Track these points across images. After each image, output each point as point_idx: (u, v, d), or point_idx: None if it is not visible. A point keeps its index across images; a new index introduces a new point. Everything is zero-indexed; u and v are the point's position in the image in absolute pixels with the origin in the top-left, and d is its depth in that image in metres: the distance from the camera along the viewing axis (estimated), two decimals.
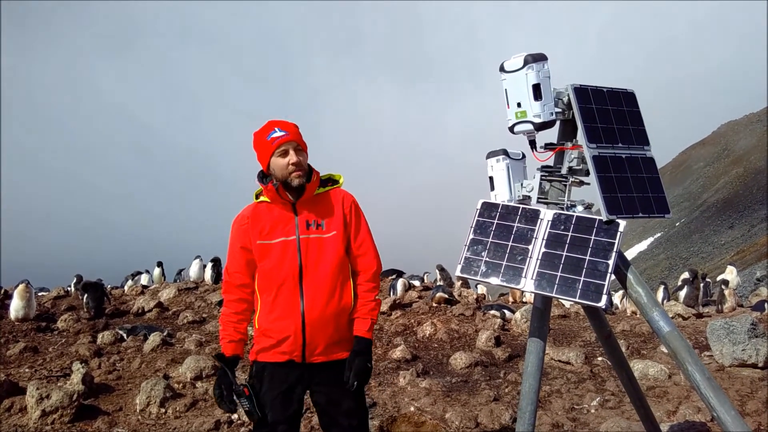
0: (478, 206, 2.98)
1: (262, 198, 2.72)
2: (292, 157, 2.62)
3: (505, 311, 8.42)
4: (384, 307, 8.42)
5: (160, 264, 14.33)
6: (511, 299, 10.68)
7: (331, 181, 2.78)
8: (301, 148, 2.66)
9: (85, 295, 8.61)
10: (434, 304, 8.94)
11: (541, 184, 2.95)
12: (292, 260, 2.62)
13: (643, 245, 49.26)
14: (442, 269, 12.90)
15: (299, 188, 2.65)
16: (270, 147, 2.63)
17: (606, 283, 2.57)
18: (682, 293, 11.13)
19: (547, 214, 2.82)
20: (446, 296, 9.07)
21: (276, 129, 2.64)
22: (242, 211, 2.75)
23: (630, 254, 44.87)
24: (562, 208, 2.87)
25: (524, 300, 10.83)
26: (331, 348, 2.65)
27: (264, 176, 2.73)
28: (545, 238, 2.76)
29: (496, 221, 2.90)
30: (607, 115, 2.86)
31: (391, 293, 10.23)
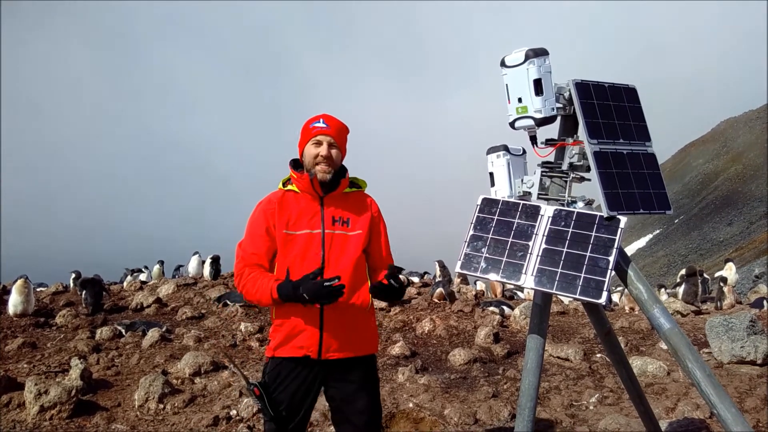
0: (479, 202, 2.97)
1: (290, 186, 2.72)
2: (323, 149, 2.64)
3: (504, 308, 8.40)
4: (382, 303, 8.42)
5: (161, 262, 14.31)
6: (491, 295, 10.55)
7: (354, 184, 2.80)
8: (336, 145, 2.68)
9: (84, 292, 8.58)
10: (435, 301, 8.92)
11: (541, 180, 2.94)
12: (315, 253, 2.61)
13: (641, 242, 49.34)
14: (443, 266, 12.87)
15: (330, 183, 2.66)
16: (308, 134, 2.68)
17: (606, 279, 2.56)
18: (681, 290, 11.14)
19: (547, 210, 2.80)
20: (445, 293, 9.01)
21: (321, 120, 2.69)
22: (269, 196, 2.73)
23: (628, 251, 44.72)
24: (563, 204, 2.86)
25: (508, 294, 10.77)
26: (347, 345, 2.64)
27: (296, 165, 2.74)
28: (546, 234, 2.75)
29: (496, 217, 2.89)
30: (608, 111, 2.84)
31: None
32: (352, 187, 2.77)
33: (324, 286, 2.40)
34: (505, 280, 2.77)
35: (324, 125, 2.66)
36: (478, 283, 11.74)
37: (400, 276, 2.66)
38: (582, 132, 2.76)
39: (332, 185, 2.67)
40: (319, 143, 2.65)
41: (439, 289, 9.00)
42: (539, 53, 2.72)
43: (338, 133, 2.69)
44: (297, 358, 2.61)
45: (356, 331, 2.67)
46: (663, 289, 12.51)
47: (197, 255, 13.30)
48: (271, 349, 2.67)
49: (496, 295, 10.45)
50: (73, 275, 12.10)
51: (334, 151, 2.67)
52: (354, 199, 2.76)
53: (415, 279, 12.13)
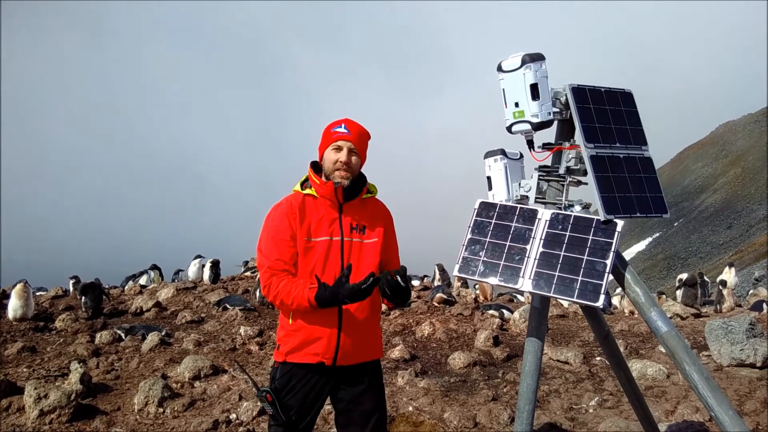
0: (476, 206, 2.98)
1: (308, 191, 2.69)
2: (343, 155, 2.62)
3: (504, 311, 8.41)
4: (382, 307, 8.41)
5: (154, 267, 14.29)
6: (482, 297, 10.54)
7: (367, 190, 2.79)
8: (356, 152, 2.66)
9: (84, 296, 8.59)
10: (435, 304, 8.94)
11: (538, 183, 2.95)
12: (335, 261, 2.60)
13: (641, 245, 49.33)
14: (442, 270, 12.89)
15: (350, 191, 2.65)
16: (329, 139, 2.66)
17: (604, 282, 2.57)
18: (680, 293, 11.15)
19: (544, 214, 2.82)
20: (445, 296, 9.05)
21: (342, 125, 2.67)
22: (289, 200, 2.68)
23: (628, 254, 44.96)
24: (560, 208, 2.87)
25: (506, 297, 10.73)
26: (360, 352, 2.65)
27: (315, 167, 2.72)
28: (543, 237, 2.76)
29: (493, 221, 2.90)
30: (604, 115, 2.86)
31: None
32: (366, 193, 2.77)
33: (362, 289, 2.41)
34: (502, 284, 2.78)
35: (345, 131, 2.64)
36: (476, 286, 11.76)
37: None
38: (579, 136, 2.78)
39: (352, 192, 2.66)
40: (339, 149, 2.63)
41: (439, 294, 9.05)
42: (536, 58, 2.74)
43: (359, 139, 2.67)
44: (310, 365, 2.60)
45: (368, 337, 2.69)
46: (663, 297, 12.52)
47: (198, 259, 13.30)
48: (282, 354, 2.64)
49: (486, 298, 10.45)
50: (72, 280, 12.09)
51: (353, 158, 2.65)
52: (370, 206, 2.76)
53: (415, 282, 12.15)
